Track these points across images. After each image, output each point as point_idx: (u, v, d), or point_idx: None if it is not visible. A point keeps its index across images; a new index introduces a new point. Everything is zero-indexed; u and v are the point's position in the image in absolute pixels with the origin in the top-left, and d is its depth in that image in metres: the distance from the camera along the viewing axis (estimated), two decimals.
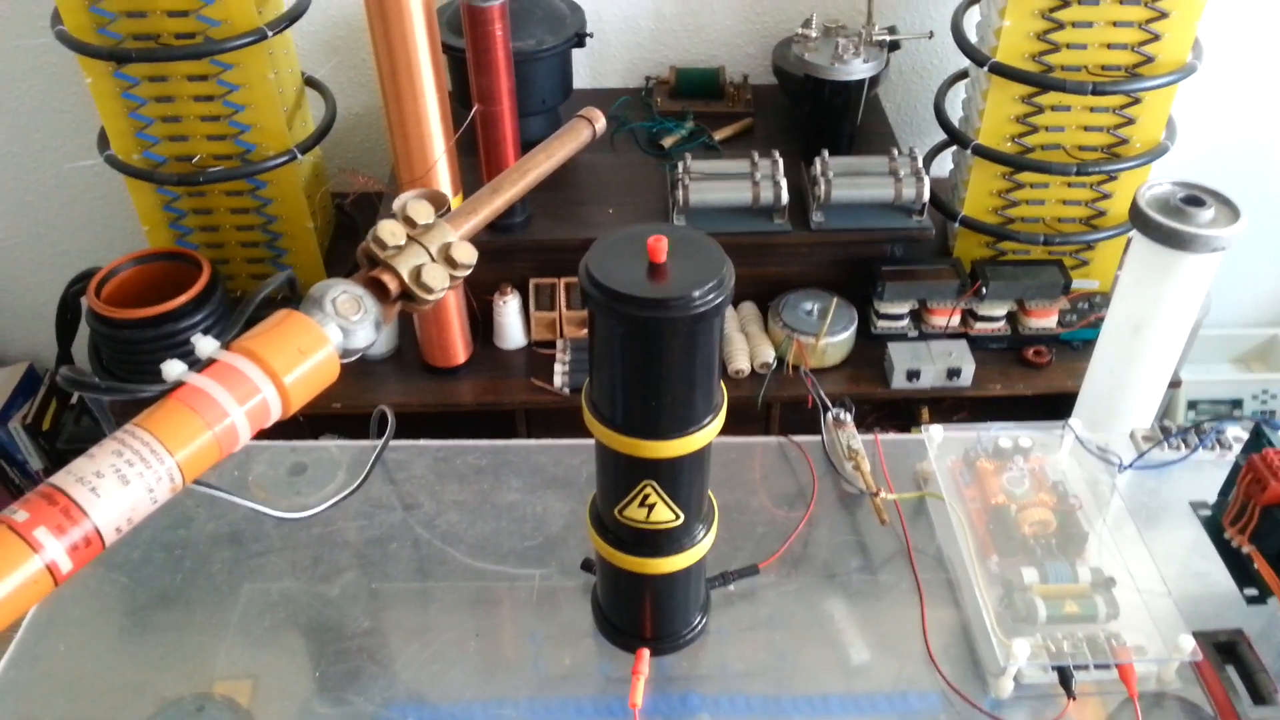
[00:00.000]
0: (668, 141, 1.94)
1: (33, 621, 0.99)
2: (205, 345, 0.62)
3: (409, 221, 0.70)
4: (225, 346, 0.62)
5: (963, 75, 1.91)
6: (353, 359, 0.68)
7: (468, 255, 0.71)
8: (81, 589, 1.03)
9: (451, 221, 0.73)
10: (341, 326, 0.65)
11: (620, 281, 0.68)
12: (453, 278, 0.71)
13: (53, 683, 0.95)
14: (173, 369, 0.60)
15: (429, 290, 0.69)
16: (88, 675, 0.96)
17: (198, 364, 0.61)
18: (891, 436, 1.15)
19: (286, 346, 0.63)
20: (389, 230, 0.68)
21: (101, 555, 0.57)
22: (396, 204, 0.72)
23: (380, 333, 0.69)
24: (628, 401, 0.75)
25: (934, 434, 1.07)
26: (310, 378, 0.64)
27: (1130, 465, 1.08)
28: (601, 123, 0.85)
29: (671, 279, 0.69)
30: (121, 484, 0.55)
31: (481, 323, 1.83)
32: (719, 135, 1.95)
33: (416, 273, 0.69)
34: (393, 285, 0.69)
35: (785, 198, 1.72)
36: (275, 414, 0.63)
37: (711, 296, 0.68)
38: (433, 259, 0.70)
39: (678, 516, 0.81)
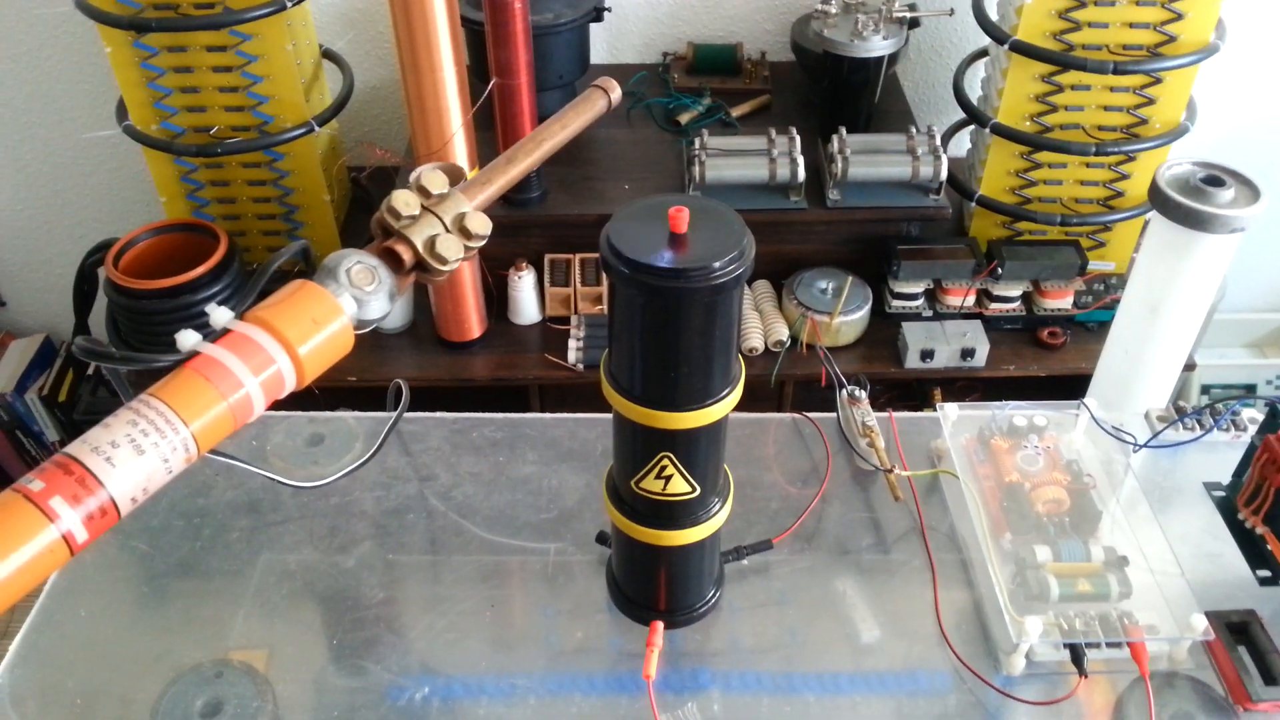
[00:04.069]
0: (684, 118, 1.94)
1: (54, 588, 1.00)
2: (220, 315, 0.62)
3: (423, 192, 0.69)
4: (239, 317, 0.62)
5: (982, 53, 1.90)
6: (367, 330, 0.68)
7: (482, 226, 0.71)
8: (101, 556, 1.04)
9: (466, 192, 0.72)
10: (356, 297, 0.65)
11: (641, 251, 0.68)
12: (467, 248, 0.70)
13: (73, 648, 0.96)
14: (187, 339, 0.60)
15: (443, 261, 0.68)
16: (107, 641, 0.97)
17: (212, 334, 0.61)
18: (906, 414, 1.15)
19: (301, 317, 0.62)
20: (403, 200, 0.68)
21: (121, 523, 0.57)
22: (412, 176, 0.71)
23: (394, 303, 0.68)
24: (647, 372, 0.75)
25: (949, 412, 1.07)
26: (325, 348, 0.63)
27: (1145, 445, 1.08)
28: (617, 93, 0.84)
29: (692, 249, 0.69)
30: (137, 454, 0.55)
31: (496, 298, 1.83)
32: (736, 112, 1.95)
33: (431, 243, 0.68)
34: (407, 256, 0.68)
35: (802, 175, 1.72)
36: (290, 385, 0.63)
37: (732, 267, 0.68)
38: (447, 229, 0.69)
39: (694, 489, 0.82)
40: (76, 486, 0.53)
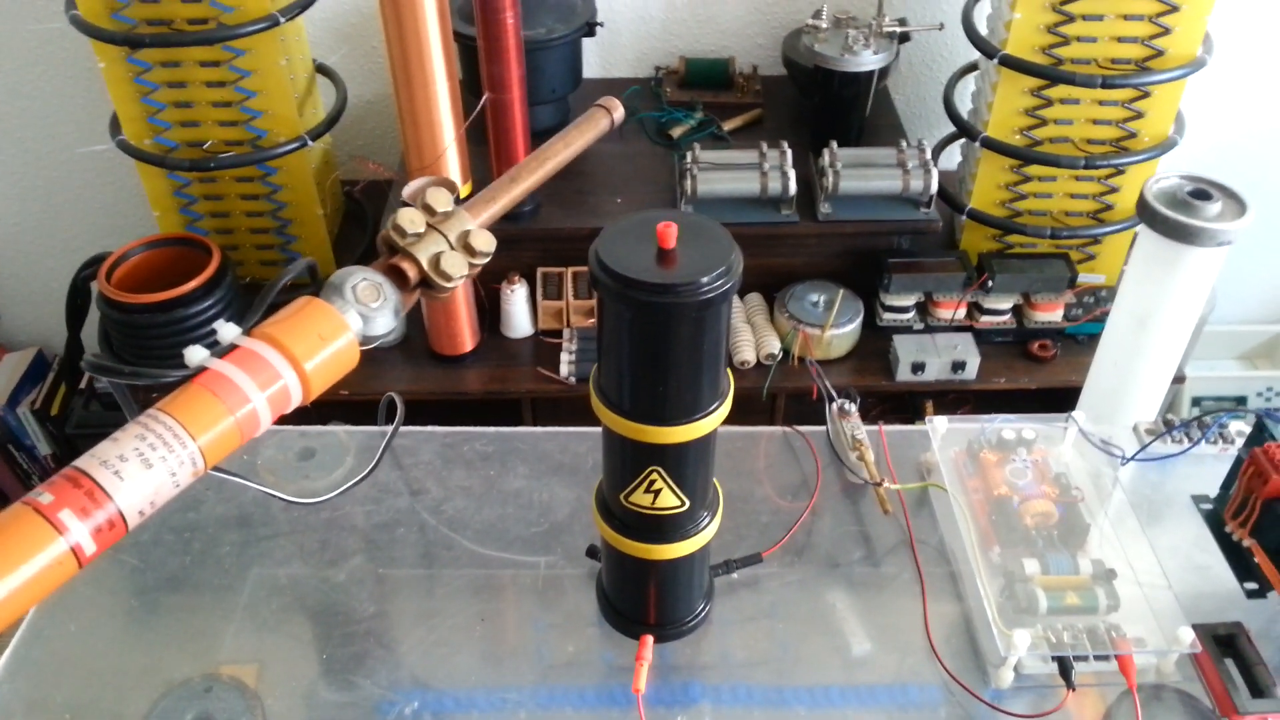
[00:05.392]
0: (676, 131, 1.94)
1: (42, 602, 1.00)
2: (227, 331, 0.63)
3: (428, 209, 0.71)
4: (247, 332, 0.63)
5: (972, 68, 1.91)
6: (372, 346, 0.68)
7: (486, 243, 0.72)
8: (91, 570, 1.03)
9: (470, 210, 0.74)
10: (361, 313, 0.66)
11: (629, 267, 0.69)
12: (471, 265, 0.71)
13: (62, 663, 0.96)
14: (195, 354, 0.61)
15: (448, 278, 0.70)
16: (97, 656, 0.97)
17: (219, 349, 0.62)
18: (896, 427, 1.15)
19: (307, 333, 0.63)
20: (408, 218, 0.69)
21: None
22: (407, 191, 0.72)
23: (399, 320, 0.70)
24: (635, 387, 0.75)
25: (938, 425, 1.08)
26: (331, 364, 0.64)
27: (1133, 458, 1.09)
28: (620, 112, 0.85)
29: (680, 265, 0.69)
30: (145, 468, 0.56)
31: (489, 311, 1.83)
32: (728, 126, 1.96)
33: (435, 260, 0.70)
34: (412, 273, 0.69)
35: (793, 189, 1.72)
36: (296, 400, 0.64)
37: (720, 283, 0.69)
38: (451, 247, 0.71)
39: (683, 502, 0.82)
40: (85, 499, 0.54)
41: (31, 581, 0.52)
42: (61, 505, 0.53)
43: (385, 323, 0.67)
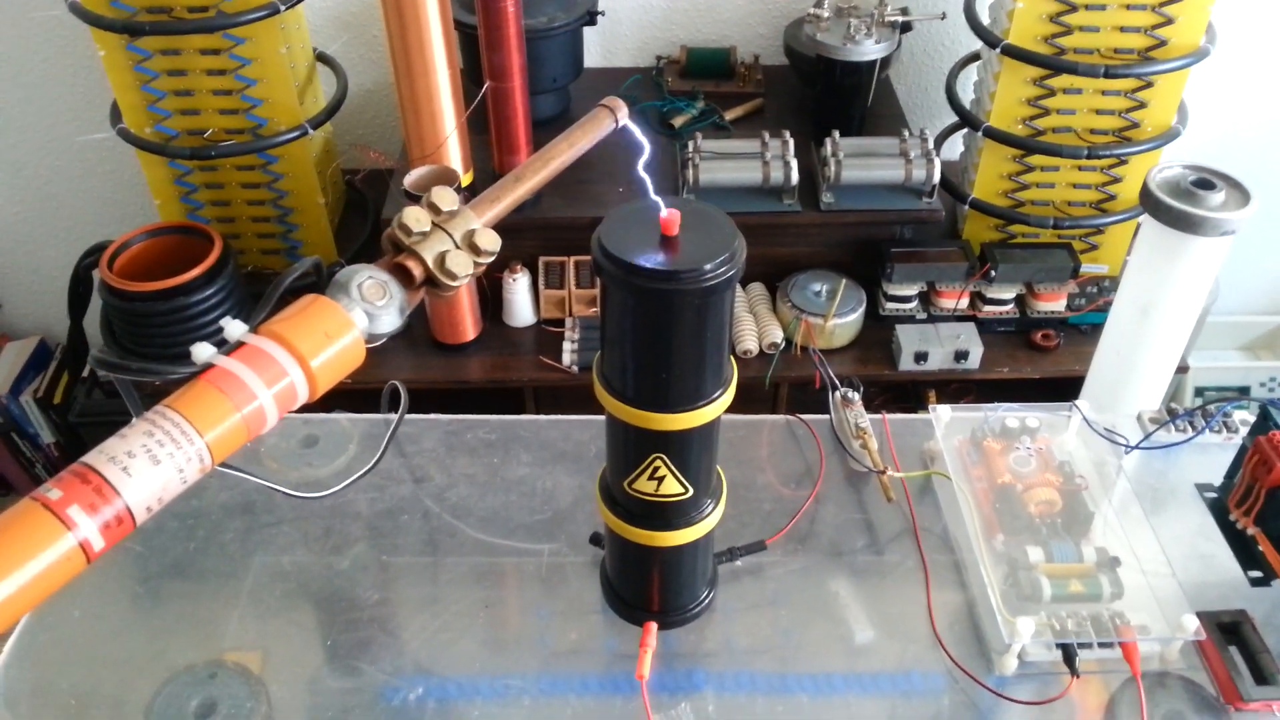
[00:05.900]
0: (678, 121, 1.94)
1: None
2: (234, 328, 0.63)
3: (433, 208, 0.71)
4: (253, 330, 0.63)
5: (974, 57, 1.91)
6: (378, 343, 0.69)
7: (491, 242, 0.72)
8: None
9: (475, 209, 0.74)
10: (367, 311, 0.66)
11: (633, 254, 0.68)
12: (476, 264, 0.72)
13: (67, 649, 0.96)
14: (202, 351, 0.61)
15: (453, 276, 0.70)
16: (101, 642, 0.98)
17: (226, 346, 0.62)
18: (899, 416, 1.15)
19: (313, 331, 0.63)
20: (414, 217, 0.69)
21: None
22: (409, 180, 0.72)
23: (404, 318, 0.70)
24: (639, 374, 0.75)
25: (941, 413, 1.08)
26: (336, 362, 0.65)
27: (1137, 446, 1.09)
28: (624, 112, 0.86)
29: (683, 252, 0.69)
30: (152, 464, 0.56)
31: (491, 300, 1.83)
32: (729, 115, 1.95)
33: (441, 259, 0.70)
34: (417, 271, 0.70)
35: (795, 178, 1.72)
36: (302, 397, 0.64)
37: (723, 270, 0.69)
38: (457, 246, 0.71)
39: (686, 490, 0.82)
40: (94, 495, 0.54)
41: (40, 577, 0.53)
42: (70, 501, 0.54)
43: (390, 321, 0.68)
